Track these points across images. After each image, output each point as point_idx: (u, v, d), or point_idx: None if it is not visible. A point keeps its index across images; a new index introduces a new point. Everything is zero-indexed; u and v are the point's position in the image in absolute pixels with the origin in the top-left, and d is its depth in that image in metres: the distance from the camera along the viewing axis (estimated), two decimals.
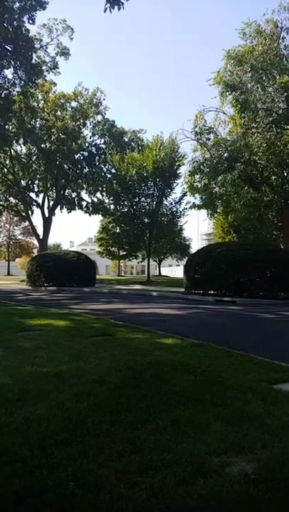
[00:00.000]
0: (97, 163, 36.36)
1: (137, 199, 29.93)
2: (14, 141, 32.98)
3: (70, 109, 35.74)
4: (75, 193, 38.52)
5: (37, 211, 37.94)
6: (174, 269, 57.68)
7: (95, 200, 37.95)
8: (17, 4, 22.45)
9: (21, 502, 1.76)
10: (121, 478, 1.93)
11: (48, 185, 36.94)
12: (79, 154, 35.86)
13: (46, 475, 1.94)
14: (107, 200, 36.29)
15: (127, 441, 2.31)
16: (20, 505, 1.75)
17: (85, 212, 37.48)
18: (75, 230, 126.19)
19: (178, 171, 28.75)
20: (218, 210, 25.10)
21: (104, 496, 1.80)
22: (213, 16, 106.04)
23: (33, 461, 2.08)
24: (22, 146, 34.89)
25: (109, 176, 34.31)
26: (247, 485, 1.88)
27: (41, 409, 2.80)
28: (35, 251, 55.81)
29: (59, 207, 37.51)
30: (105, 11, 7.02)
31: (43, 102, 34.33)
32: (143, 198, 29.91)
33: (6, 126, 28.32)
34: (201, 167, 22.63)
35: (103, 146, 36.82)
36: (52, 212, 37.00)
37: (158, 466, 2.04)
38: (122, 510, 1.71)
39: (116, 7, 7.04)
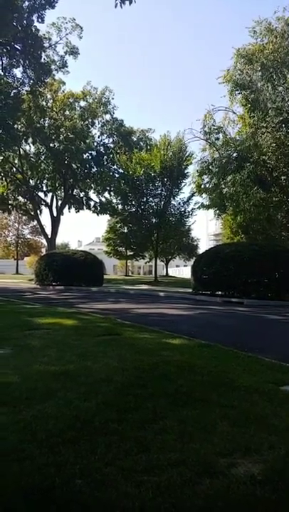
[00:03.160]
0: (106, 163, 36.37)
1: (145, 199, 29.94)
2: (23, 141, 33.10)
3: (78, 108, 35.77)
4: (83, 193, 38.62)
5: (45, 210, 38.10)
6: (182, 270, 57.49)
7: (103, 199, 38.01)
8: (26, 3, 22.56)
9: (29, 499, 1.79)
10: (128, 477, 1.94)
11: (57, 185, 37.08)
12: (87, 154, 35.88)
13: (54, 473, 1.97)
14: (114, 200, 36.32)
15: (134, 440, 2.33)
16: (27, 503, 1.77)
17: (93, 211, 37.54)
18: (82, 229, 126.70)
19: (186, 171, 28.72)
20: (228, 211, 24.93)
21: (111, 494, 1.82)
22: (223, 14, 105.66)
23: (41, 458, 2.10)
24: (31, 145, 35.05)
25: (117, 175, 34.33)
26: (253, 486, 1.88)
27: (49, 408, 2.82)
28: (43, 250, 56.02)
29: (67, 206, 37.64)
30: (116, 6, 7.02)
31: (51, 101, 34.39)
32: (151, 198, 29.93)
33: (15, 126, 28.45)
34: (210, 167, 22.51)
35: (111, 145, 36.85)
36: (60, 211, 37.14)
37: (164, 465, 2.06)
38: (129, 508, 1.73)
39: (127, 2, 7.03)
